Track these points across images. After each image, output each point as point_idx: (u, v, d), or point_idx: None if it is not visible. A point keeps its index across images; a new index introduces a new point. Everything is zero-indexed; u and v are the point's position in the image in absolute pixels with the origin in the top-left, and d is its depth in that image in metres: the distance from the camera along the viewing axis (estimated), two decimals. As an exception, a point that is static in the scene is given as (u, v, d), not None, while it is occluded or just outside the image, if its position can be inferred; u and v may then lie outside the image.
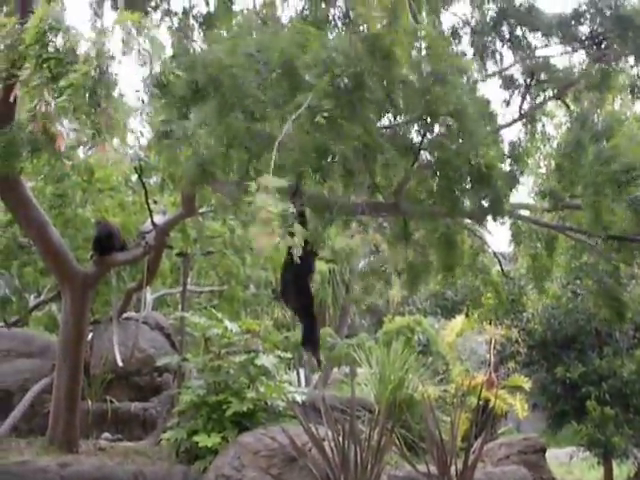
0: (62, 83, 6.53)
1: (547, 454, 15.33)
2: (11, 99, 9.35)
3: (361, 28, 11.07)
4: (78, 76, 6.44)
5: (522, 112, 12.12)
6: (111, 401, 17.40)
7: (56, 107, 6.53)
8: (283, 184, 6.34)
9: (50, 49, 6.62)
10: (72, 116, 6.39)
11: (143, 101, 7.59)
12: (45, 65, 6.58)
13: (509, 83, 12.29)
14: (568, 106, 12.48)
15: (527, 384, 20.89)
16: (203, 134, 8.96)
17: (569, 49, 12.03)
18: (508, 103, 12.29)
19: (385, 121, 10.57)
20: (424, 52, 9.67)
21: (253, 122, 9.09)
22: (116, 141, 7.55)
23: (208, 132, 8.92)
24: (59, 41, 6.70)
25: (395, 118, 10.49)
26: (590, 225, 10.99)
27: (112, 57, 6.89)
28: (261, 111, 9.16)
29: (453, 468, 11.68)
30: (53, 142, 9.47)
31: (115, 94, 6.85)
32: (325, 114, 8.24)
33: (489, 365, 21.43)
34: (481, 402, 15.98)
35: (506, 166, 11.27)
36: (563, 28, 11.52)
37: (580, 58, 12.09)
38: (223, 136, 8.89)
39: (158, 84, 7.40)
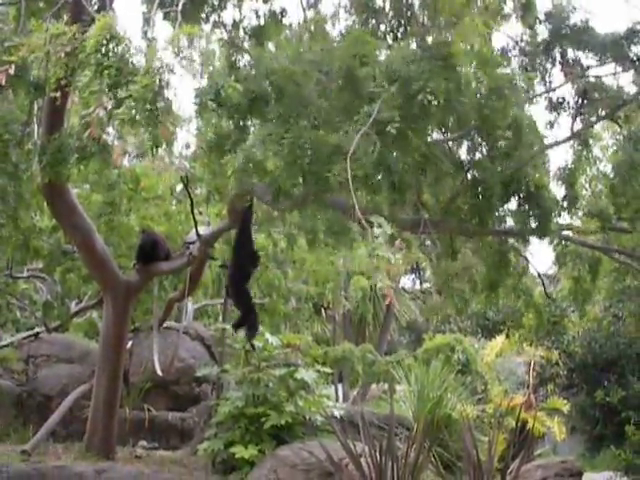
0: (122, 94, 6.56)
1: (584, 478, 15.15)
2: (67, 106, 9.42)
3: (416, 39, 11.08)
4: (139, 88, 6.47)
5: (573, 132, 12.02)
6: (149, 409, 17.43)
7: (112, 115, 6.56)
8: None
9: (111, 58, 6.65)
10: (130, 127, 6.41)
11: (197, 112, 7.60)
12: (105, 73, 6.62)
13: (557, 104, 12.21)
14: (620, 126, 12.36)
15: (566, 407, 20.62)
16: (268, 143, 8.98)
17: (620, 69, 11.93)
18: (552, 125, 12.20)
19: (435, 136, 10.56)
20: (480, 67, 9.60)
21: (317, 131, 9.09)
22: (162, 151, 7.58)
23: (274, 141, 8.92)
24: (119, 51, 6.73)
25: (447, 132, 10.48)
26: (636, 247, 10.90)
27: (172, 71, 6.92)
28: (326, 120, 9.17)
29: (490, 488, 11.58)
30: (104, 150, 9.55)
31: (174, 107, 6.89)
32: (396, 125, 8.23)
33: (528, 386, 21.20)
34: (519, 423, 15.77)
35: (554, 187, 11.21)
36: (616, 48, 11.42)
37: (632, 78, 11.99)
38: (291, 145, 8.88)
39: (214, 95, 7.40)
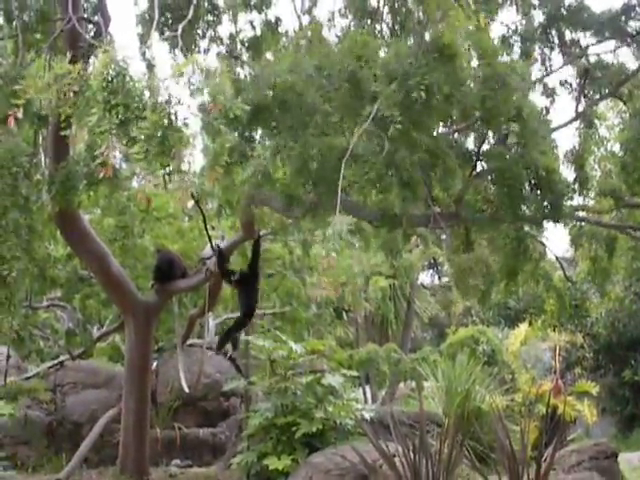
0: (134, 133, 6.60)
1: (619, 459, 15.07)
2: (77, 138, 9.46)
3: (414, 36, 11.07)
4: (149, 125, 6.50)
5: (577, 114, 12.00)
6: (179, 428, 17.48)
7: (124, 153, 6.61)
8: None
9: (118, 96, 6.68)
10: (144, 164, 6.44)
11: (204, 128, 7.62)
12: (113, 112, 6.65)
13: (553, 91, 12.22)
14: (625, 102, 12.32)
15: (595, 389, 20.57)
16: (277, 154, 9.03)
17: (620, 45, 11.89)
18: (548, 110, 12.20)
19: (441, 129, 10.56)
20: (480, 57, 9.59)
21: (325, 137, 9.12)
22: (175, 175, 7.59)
23: (284, 152, 8.97)
24: (125, 87, 6.76)
25: (452, 125, 10.47)
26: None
27: (180, 102, 6.95)
28: (332, 125, 9.20)
29: (525, 477, 11.50)
30: (112, 175, 9.58)
31: (185, 137, 6.90)
32: (398, 124, 8.25)
33: (555, 372, 21.15)
34: (549, 409, 15.73)
35: (564, 170, 11.20)
36: (614, 24, 11.41)
37: (632, 53, 11.95)
38: (300, 154, 8.92)
39: (223, 117, 7.42)
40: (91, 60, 10.10)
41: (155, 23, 10.15)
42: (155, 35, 12.57)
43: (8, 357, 17.72)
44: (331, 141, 9.12)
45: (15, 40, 11.51)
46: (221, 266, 13.75)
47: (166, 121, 6.67)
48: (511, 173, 9.95)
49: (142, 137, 6.49)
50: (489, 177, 10.61)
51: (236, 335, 15.00)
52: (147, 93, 6.87)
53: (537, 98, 12.23)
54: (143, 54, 13.11)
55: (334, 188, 8.59)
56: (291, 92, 8.89)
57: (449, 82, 8.85)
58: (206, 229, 14.20)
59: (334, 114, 9.26)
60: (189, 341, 18.24)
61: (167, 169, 6.69)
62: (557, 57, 12.18)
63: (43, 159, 12.43)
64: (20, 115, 7.13)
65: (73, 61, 7.25)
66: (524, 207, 10.73)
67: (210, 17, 12.97)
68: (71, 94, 6.85)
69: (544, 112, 12.02)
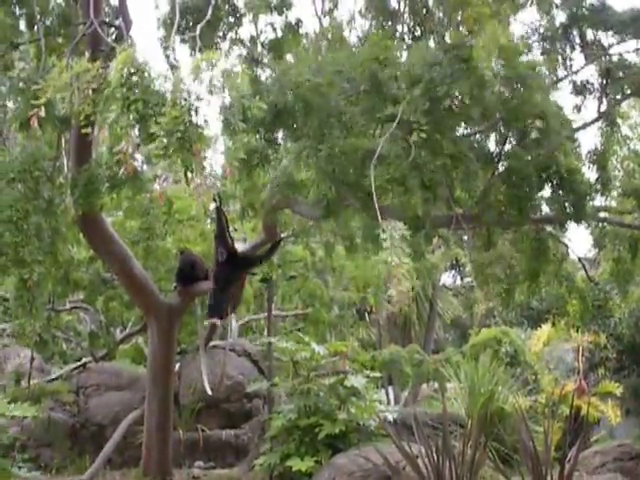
0: (153, 129, 6.60)
1: (643, 460, 15.01)
2: (99, 140, 9.51)
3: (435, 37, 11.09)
4: (169, 121, 6.50)
5: (599, 114, 11.94)
6: (202, 429, 17.51)
7: (142, 149, 6.61)
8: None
9: (136, 91, 6.69)
10: (163, 160, 6.44)
11: (223, 131, 7.63)
12: (132, 107, 6.66)
13: (582, 87, 12.13)
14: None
15: (618, 390, 20.46)
16: (303, 158, 9.06)
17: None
18: (579, 108, 12.12)
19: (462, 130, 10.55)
20: (501, 57, 9.57)
21: (350, 139, 9.14)
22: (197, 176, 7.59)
23: (310, 155, 9.00)
24: (144, 83, 6.77)
25: (474, 126, 10.46)
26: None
27: (200, 98, 6.95)
28: (355, 127, 9.21)
29: (549, 479, 11.48)
30: (135, 177, 9.63)
31: (205, 133, 6.91)
32: (423, 131, 8.27)
33: (578, 373, 21.07)
34: (573, 410, 15.68)
35: (586, 170, 11.15)
36: (636, 24, 11.33)
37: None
38: (327, 157, 8.94)
39: (242, 116, 7.42)
40: (111, 64, 10.16)
41: (176, 25, 10.18)
42: (176, 38, 12.66)
43: (32, 359, 17.78)
44: (355, 143, 9.12)
45: (37, 44, 11.59)
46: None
47: (186, 117, 6.67)
48: (522, 174, 9.95)
49: (162, 133, 6.49)
50: (505, 177, 10.59)
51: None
52: (167, 89, 6.88)
53: (564, 97, 12.20)
54: (166, 57, 13.22)
55: (359, 190, 8.61)
56: (315, 94, 8.89)
57: (474, 90, 8.86)
58: (228, 231, 14.21)
59: (357, 116, 9.27)
60: (212, 343, 18.28)
61: (188, 167, 6.67)
62: (578, 57, 12.16)
63: (66, 162, 12.47)
64: (42, 114, 7.15)
65: (93, 61, 7.28)
66: (544, 207, 10.74)
67: (231, 19, 13.00)
68: (90, 92, 6.87)
69: (574, 110, 11.99)
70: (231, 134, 7.68)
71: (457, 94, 8.67)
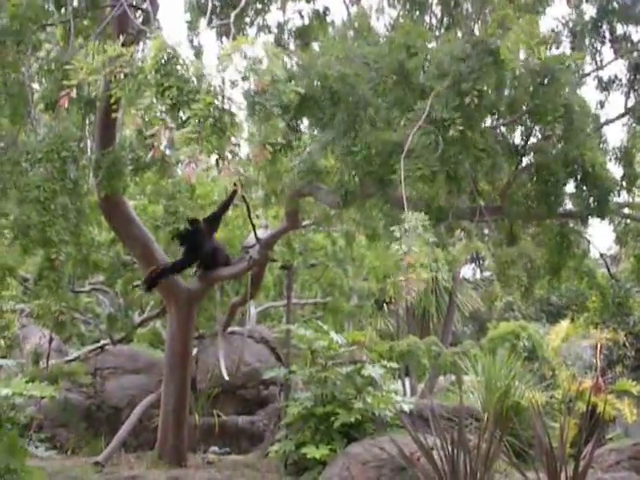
0: (185, 112, 6.61)
1: (659, 461, 14.95)
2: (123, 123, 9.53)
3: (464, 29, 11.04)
4: (202, 106, 6.50)
5: (626, 109, 11.87)
6: (218, 415, 17.58)
7: (176, 135, 6.59)
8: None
9: (171, 78, 6.68)
10: (197, 145, 6.42)
11: (266, 113, 7.60)
12: (167, 94, 6.66)
13: (609, 83, 12.06)
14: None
15: (635, 388, 20.37)
16: (330, 148, 9.07)
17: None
18: (603, 104, 12.06)
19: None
20: (529, 50, 9.51)
21: (377, 130, 9.12)
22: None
23: (338, 145, 9.00)
24: (179, 70, 6.76)
25: (499, 118, 10.42)
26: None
27: (234, 84, 6.94)
28: (382, 118, 9.19)
29: (563, 475, 11.43)
30: (160, 161, 9.63)
31: (238, 121, 6.90)
32: (459, 127, 8.25)
33: (596, 370, 21.00)
34: (589, 407, 15.61)
35: (611, 166, 11.09)
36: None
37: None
38: (361, 147, 8.94)
39: (278, 101, 7.39)
40: (139, 47, 10.14)
41: (209, 12, 10.17)
42: (203, 23, 12.66)
43: (50, 340, 17.88)
44: (382, 135, 9.10)
45: (64, 26, 11.59)
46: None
47: (220, 103, 6.66)
48: (550, 169, 9.91)
49: (195, 119, 6.48)
50: (531, 172, 10.55)
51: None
52: (201, 75, 6.87)
53: (590, 92, 12.17)
54: (191, 41, 13.22)
55: (384, 181, 8.59)
56: (342, 84, 8.87)
57: (502, 83, 8.84)
58: (250, 218, 14.23)
59: (384, 107, 9.24)
60: (230, 329, 18.33)
61: (221, 152, 6.66)
62: (607, 52, 12.09)
63: (89, 144, 12.50)
64: (74, 95, 7.15)
65: (122, 44, 7.28)
66: (567, 202, 10.70)
67: (259, 5, 12.98)
68: (122, 76, 6.86)
69: (598, 106, 11.93)
70: (264, 119, 7.65)
71: (485, 87, 8.60)
